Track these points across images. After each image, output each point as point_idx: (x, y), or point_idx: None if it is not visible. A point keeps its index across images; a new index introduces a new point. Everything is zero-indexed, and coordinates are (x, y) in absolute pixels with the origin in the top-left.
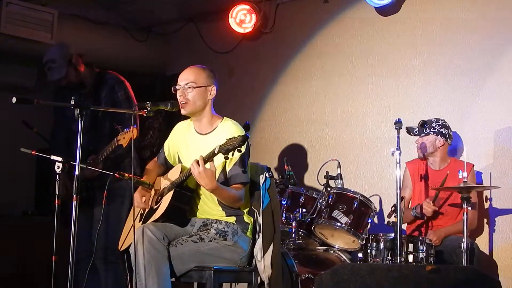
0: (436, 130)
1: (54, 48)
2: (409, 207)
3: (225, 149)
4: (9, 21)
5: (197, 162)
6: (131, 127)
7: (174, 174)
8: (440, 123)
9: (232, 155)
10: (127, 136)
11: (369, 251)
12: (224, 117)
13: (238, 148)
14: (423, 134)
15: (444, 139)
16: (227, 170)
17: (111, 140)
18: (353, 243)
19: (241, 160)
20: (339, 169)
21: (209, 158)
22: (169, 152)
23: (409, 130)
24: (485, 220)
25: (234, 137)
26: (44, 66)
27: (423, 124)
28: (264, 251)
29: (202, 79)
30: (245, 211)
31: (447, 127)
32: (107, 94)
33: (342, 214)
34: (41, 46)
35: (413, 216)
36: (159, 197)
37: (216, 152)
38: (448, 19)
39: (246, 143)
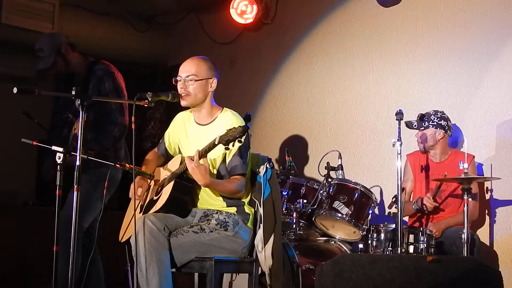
0: (435, 123)
1: (44, 37)
2: (411, 199)
3: (226, 140)
4: (11, 11)
5: (192, 158)
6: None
7: (174, 165)
8: (439, 115)
9: (233, 145)
10: (76, 125)
11: (369, 242)
12: (224, 108)
13: (239, 139)
14: (423, 128)
15: (443, 131)
16: (227, 161)
17: (95, 129)
18: (353, 234)
19: (241, 151)
20: (340, 160)
21: (209, 149)
22: (169, 143)
23: (408, 124)
24: (486, 211)
25: (234, 127)
26: (35, 56)
27: (422, 118)
28: (265, 241)
29: (203, 71)
30: (246, 201)
31: (446, 119)
32: (94, 85)
33: (343, 205)
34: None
35: (414, 209)
36: (159, 188)
37: (216, 143)
38: (450, 10)
39: (246, 133)
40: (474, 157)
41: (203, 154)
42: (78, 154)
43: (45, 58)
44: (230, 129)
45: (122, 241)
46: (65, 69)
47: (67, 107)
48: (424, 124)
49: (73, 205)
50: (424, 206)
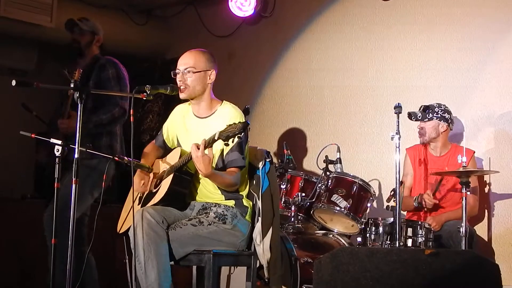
0: (439, 115)
1: (95, 21)
2: (411, 194)
3: (225, 136)
4: (9, 4)
5: (198, 146)
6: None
7: (173, 158)
8: (443, 108)
9: (232, 141)
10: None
11: (368, 235)
12: (224, 101)
13: (238, 135)
14: (426, 119)
15: (447, 124)
16: (225, 154)
17: (94, 107)
18: (352, 227)
19: (239, 145)
20: (338, 153)
21: (209, 144)
22: (168, 135)
23: (411, 115)
24: (485, 205)
25: (234, 123)
26: (79, 18)
27: (425, 109)
28: (263, 235)
29: (201, 63)
30: (244, 194)
31: (449, 112)
32: (97, 73)
33: (341, 199)
34: (40, 29)
35: (415, 206)
36: (158, 181)
37: (216, 138)
38: (448, 4)
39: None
40: (474, 152)
41: (206, 146)
42: (76, 146)
43: (85, 24)
44: (230, 125)
45: (120, 232)
46: (83, 46)
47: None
48: (428, 116)
49: (70, 197)
50: (424, 202)
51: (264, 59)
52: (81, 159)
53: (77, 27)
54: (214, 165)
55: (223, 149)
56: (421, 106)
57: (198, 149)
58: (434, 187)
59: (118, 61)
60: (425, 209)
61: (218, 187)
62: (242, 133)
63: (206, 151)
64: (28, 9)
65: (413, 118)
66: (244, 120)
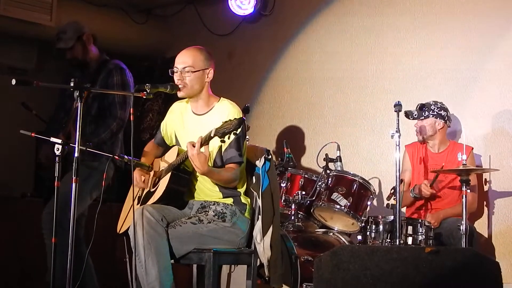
0: (435, 113)
1: (69, 22)
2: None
3: (221, 132)
4: (9, 2)
5: (193, 144)
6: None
7: (171, 156)
8: (439, 106)
9: (228, 138)
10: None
11: (368, 233)
12: (221, 97)
13: (234, 131)
14: (422, 117)
15: (443, 121)
16: (223, 151)
17: (95, 122)
18: (352, 225)
19: (237, 141)
20: (338, 151)
21: (205, 141)
22: (166, 132)
23: (408, 114)
24: (484, 203)
25: (230, 120)
26: (56, 37)
27: (422, 107)
28: (264, 233)
29: (200, 62)
30: (242, 191)
31: (446, 109)
32: (104, 77)
33: (342, 197)
34: (40, 28)
35: (412, 197)
36: (157, 180)
37: (212, 135)
38: (448, 2)
39: (242, 125)
40: (472, 148)
41: (202, 143)
42: (76, 145)
43: (66, 40)
44: (226, 122)
45: (120, 232)
46: (82, 57)
47: (68, 101)
48: (424, 114)
49: (70, 196)
50: (420, 191)
51: (264, 57)
52: (83, 160)
53: (63, 42)
54: (212, 162)
55: (221, 146)
56: (418, 105)
57: (194, 147)
58: (431, 181)
59: (125, 67)
60: (422, 197)
61: (217, 184)
62: (239, 129)
63: (202, 149)
64: (28, 8)
65: (410, 117)
66: (241, 116)
